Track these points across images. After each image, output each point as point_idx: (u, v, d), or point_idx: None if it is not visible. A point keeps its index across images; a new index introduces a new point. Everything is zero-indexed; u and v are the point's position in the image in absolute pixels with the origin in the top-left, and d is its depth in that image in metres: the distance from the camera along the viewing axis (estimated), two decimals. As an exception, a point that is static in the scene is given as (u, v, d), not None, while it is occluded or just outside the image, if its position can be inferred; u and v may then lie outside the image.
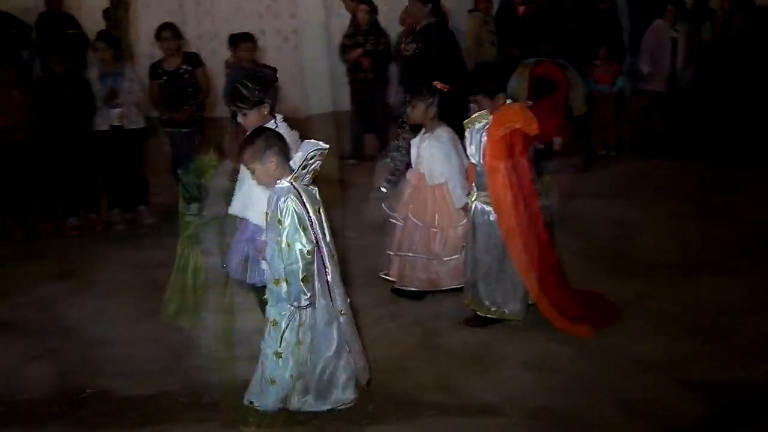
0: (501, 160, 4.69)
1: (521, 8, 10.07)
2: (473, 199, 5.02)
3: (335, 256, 4.04)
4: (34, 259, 6.60)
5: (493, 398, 4.26)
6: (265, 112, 4.33)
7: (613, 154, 9.58)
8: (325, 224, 3.98)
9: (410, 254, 5.43)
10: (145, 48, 9.45)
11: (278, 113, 4.43)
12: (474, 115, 4.91)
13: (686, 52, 9.46)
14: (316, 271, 3.87)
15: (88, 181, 7.20)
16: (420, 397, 4.30)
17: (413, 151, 5.58)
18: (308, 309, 3.91)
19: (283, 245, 3.74)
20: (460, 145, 5.37)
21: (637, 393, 4.24)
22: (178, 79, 7.03)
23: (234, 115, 7.07)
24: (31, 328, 5.29)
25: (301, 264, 3.74)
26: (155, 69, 7.13)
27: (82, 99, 6.80)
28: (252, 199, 4.27)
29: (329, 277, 3.96)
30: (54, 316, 5.45)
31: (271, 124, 4.28)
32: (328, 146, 3.88)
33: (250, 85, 4.31)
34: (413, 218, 5.42)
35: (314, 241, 3.81)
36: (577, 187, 8.17)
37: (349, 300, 4.09)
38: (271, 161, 3.79)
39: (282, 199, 3.75)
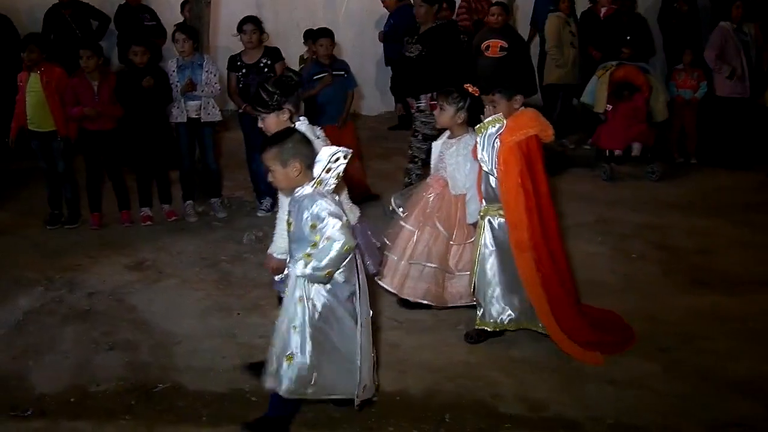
0: (515, 168, 4.45)
1: (603, 10, 9.86)
2: (482, 214, 4.74)
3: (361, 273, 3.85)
4: (108, 248, 6.60)
5: (576, 414, 4.10)
6: (285, 118, 4.17)
7: (694, 162, 9.26)
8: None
9: (428, 264, 5.13)
10: (224, 41, 9.44)
11: (302, 117, 4.29)
12: (487, 119, 4.57)
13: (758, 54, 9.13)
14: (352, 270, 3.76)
15: (162, 172, 7.19)
16: (498, 408, 4.17)
17: (434, 155, 5.28)
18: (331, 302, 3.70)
19: (322, 241, 3.53)
20: None
21: (728, 417, 4.05)
22: (257, 73, 6.94)
23: (240, 115, 7.15)
24: (104, 318, 5.26)
25: (335, 258, 3.53)
26: (234, 61, 7.07)
27: (160, 90, 6.78)
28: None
29: (360, 282, 3.79)
30: (127, 306, 5.43)
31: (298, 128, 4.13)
32: (349, 150, 3.68)
33: (270, 89, 4.19)
34: (439, 226, 5.12)
35: (356, 238, 3.67)
36: (655, 195, 7.98)
37: (371, 312, 3.91)
38: (295, 167, 3.60)
39: (313, 204, 3.56)
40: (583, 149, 9.77)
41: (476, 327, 4.85)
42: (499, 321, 4.77)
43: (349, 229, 3.60)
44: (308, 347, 3.66)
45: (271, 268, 4.22)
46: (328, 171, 3.63)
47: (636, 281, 5.86)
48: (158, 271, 6.06)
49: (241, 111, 7.13)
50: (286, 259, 3.99)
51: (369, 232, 4.33)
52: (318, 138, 4.25)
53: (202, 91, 6.94)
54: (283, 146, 3.62)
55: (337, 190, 3.83)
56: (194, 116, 6.99)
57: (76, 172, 7.23)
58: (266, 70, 6.96)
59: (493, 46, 8.52)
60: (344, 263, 3.65)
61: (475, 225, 4.93)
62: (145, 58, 6.81)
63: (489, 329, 4.80)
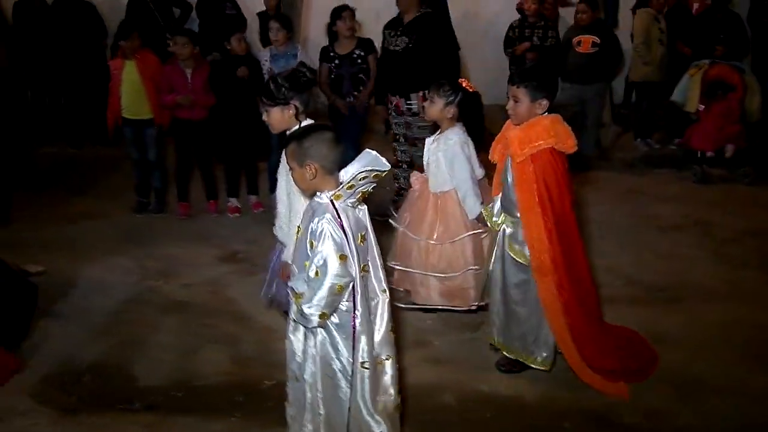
0: (530, 185, 4.00)
1: (696, 5, 9.58)
2: (500, 222, 4.34)
3: (386, 291, 3.43)
4: (198, 238, 6.59)
5: (698, 424, 3.95)
6: (290, 114, 4.07)
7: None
8: (376, 253, 3.39)
9: (405, 268, 4.99)
10: (315, 33, 9.39)
11: (308, 119, 4.15)
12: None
13: None
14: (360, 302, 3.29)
15: (251, 162, 7.15)
16: (618, 419, 4.02)
17: (425, 153, 5.05)
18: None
19: (311, 273, 3.18)
20: (473, 150, 4.87)
21: None
22: (350, 64, 6.85)
23: (330, 107, 7.02)
24: (203, 310, 5.23)
25: (326, 298, 3.15)
26: (327, 52, 6.98)
27: (253, 80, 6.73)
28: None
29: (357, 322, 3.29)
30: (225, 298, 5.39)
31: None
32: (387, 166, 3.24)
33: (280, 82, 4.11)
34: (407, 231, 4.98)
35: (352, 275, 3.23)
36: (751, 199, 7.73)
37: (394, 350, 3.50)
38: (310, 168, 3.23)
39: (317, 219, 3.19)
40: (668, 149, 9.54)
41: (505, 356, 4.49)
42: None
43: (345, 266, 3.17)
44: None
45: (285, 275, 3.99)
46: (350, 187, 3.22)
47: (740, 288, 5.64)
48: (252, 264, 5.99)
49: (329, 103, 7.04)
50: None
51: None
52: None
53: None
54: (302, 144, 3.28)
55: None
56: (289, 106, 6.90)
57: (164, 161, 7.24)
58: (359, 61, 6.85)
59: (585, 42, 8.32)
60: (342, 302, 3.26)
61: (477, 220, 4.75)
62: (242, 46, 6.77)
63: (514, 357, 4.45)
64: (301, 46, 7.30)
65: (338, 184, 3.23)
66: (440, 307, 5.03)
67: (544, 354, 4.30)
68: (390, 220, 5.16)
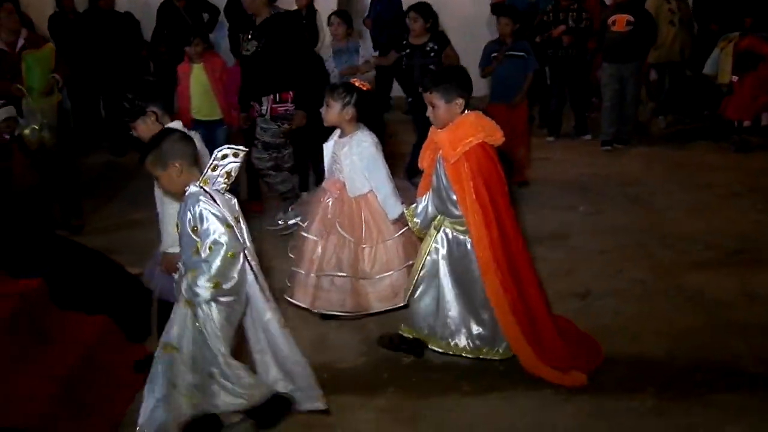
0: (467, 183, 4.02)
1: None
2: (436, 224, 4.33)
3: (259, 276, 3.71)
4: (271, 237, 6.64)
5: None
6: (151, 120, 4.13)
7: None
8: (246, 239, 3.64)
9: (338, 274, 4.83)
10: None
11: (176, 120, 4.25)
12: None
13: None
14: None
15: (315, 157, 7.27)
16: (745, 369, 4.26)
17: (326, 157, 4.93)
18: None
19: (206, 251, 3.40)
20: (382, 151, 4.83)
21: None
22: (422, 56, 7.00)
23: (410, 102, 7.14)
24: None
25: (220, 266, 3.40)
26: (401, 40, 7.13)
27: (319, 75, 6.87)
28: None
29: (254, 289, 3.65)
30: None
31: None
32: (242, 148, 3.53)
33: (129, 96, 4.19)
34: (343, 232, 4.80)
35: (241, 244, 3.51)
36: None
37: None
38: (174, 165, 3.47)
39: (192, 205, 3.42)
40: (697, 123, 9.78)
41: (399, 332, 4.54)
42: (451, 344, 4.39)
43: (233, 233, 3.45)
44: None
45: (167, 268, 4.09)
46: (214, 169, 3.47)
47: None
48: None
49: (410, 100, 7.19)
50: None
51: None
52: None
53: (359, 76, 7.00)
54: (159, 149, 3.51)
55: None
56: (351, 101, 7.06)
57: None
58: (432, 54, 6.99)
59: (620, 21, 8.52)
60: (236, 274, 3.49)
61: (399, 221, 4.72)
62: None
63: (413, 337, 4.48)
64: (362, 40, 7.41)
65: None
66: (379, 310, 4.91)
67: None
68: (303, 233, 4.96)
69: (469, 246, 4.19)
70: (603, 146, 8.76)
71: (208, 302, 3.48)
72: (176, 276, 3.83)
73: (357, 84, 4.77)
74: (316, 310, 4.90)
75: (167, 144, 3.52)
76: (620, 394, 4.07)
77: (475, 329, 4.31)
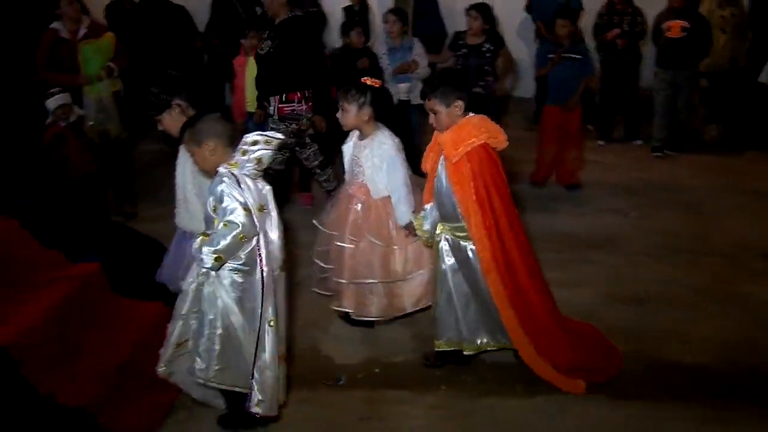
0: (468, 184, 3.99)
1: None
2: (438, 232, 4.30)
3: (276, 271, 3.70)
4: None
5: None
6: (176, 113, 4.21)
7: None
8: (274, 231, 3.66)
9: (370, 281, 4.73)
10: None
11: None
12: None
13: None
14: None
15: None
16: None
17: (347, 159, 4.85)
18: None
19: (220, 226, 3.45)
20: (403, 153, 4.73)
21: None
22: (478, 57, 7.02)
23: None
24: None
25: (229, 243, 3.43)
26: (456, 40, 7.14)
27: (373, 72, 6.90)
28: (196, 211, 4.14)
29: (264, 276, 3.61)
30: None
31: None
32: (276, 136, 3.61)
33: (154, 91, 4.26)
34: (371, 238, 4.69)
35: (256, 230, 3.53)
36: None
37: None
38: (208, 145, 3.57)
39: (216, 185, 3.50)
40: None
41: (435, 350, 4.45)
42: (478, 343, 4.38)
43: (251, 218, 3.47)
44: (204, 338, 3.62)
45: None
46: (243, 153, 3.54)
47: None
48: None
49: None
50: None
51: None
52: None
53: (413, 74, 7.04)
54: (195, 127, 3.61)
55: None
56: (404, 98, 7.10)
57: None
58: (488, 55, 7.01)
59: (674, 27, 8.42)
60: (242, 255, 3.53)
61: (407, 229, 4.61)
62: (361, 39, 6.95)
63: (451, 349, 4.40)
64: (417, 38, 7.42)
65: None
66: (412, 310, 4.85)
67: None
68: (337, 242, 4.83)
69: (470, 253, 4.16)
70: (654, 152, 8.68)
71: (213, 270, 3.54)
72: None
73: (369, 82, 4.65)
74: (354, 317, 4.88)
75: (203, 123, 3.62)
76: (669, 401, 4.08)
77: (493, 327, 4.30)
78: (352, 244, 4.75)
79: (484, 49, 7.02)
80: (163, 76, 4.31)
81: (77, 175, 6.34)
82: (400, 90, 7.07)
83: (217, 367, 3.61)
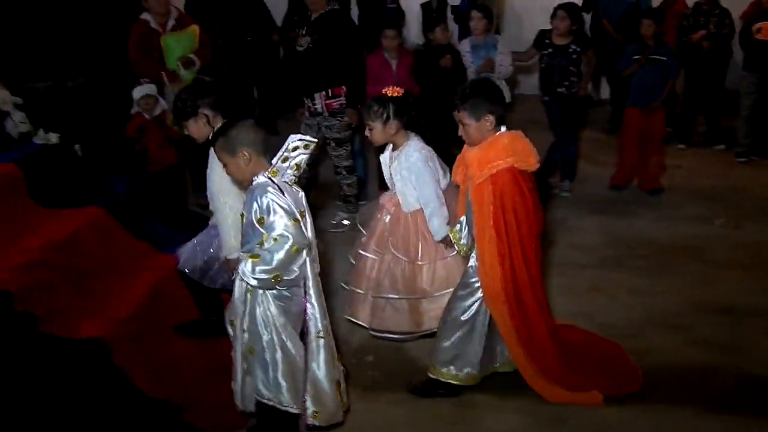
0: (486, 208, 3.82)
1: None
2: (468, 247, 4.13)
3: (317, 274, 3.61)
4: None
5: None
6: (203, 121, 4.12)
7: None
8: (310, 234, 3.52)
9: (392, 296, 4.61)
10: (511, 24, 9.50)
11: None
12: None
13: None
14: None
15: (448, 151, 7.25)
16: None
17: (384, 170, 4.75)
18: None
19: (270, 242, 3.31)
20: (436, 161, 4.59)
21: None
22: (564, 57, 6.90)
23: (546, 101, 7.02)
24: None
25: (283, 259, 3.30)
26: (542, 39, 7.04)
27: (456, 69, 6.85)
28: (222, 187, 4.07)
29: (311, 291, 3.53)
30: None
31: None
32: (315, 140, 3.48)
33: (183, 96, 4.16)
34: (395, 252, 4.59)
35: (307, 239, 3.43)
36: None
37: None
38: (243, 154, 3.40)
39: (260, 197, 3.34)
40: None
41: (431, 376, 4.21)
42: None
43: (300, 228, 3.37)
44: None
45: (231, 270, 3.94)
46: (284, 160, 3.43)
47: None
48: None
49: (545, 99, 7.15)
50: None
51: None
52: None
53: (497, 72, 6.96)
54: (228, 135, 3.45)
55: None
56: (486, 97, 7.00)
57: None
58: (574, 56, 6.90)
59: (765, 28, 8.15)
60: (296, 267, 3.41)
61: (445, 243, 4.43)
62: (445, 36, 6.89)
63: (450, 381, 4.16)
64: (500, 36, 7.34)
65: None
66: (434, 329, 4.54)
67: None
68: (361, 251, 4.79)
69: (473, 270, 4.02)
70: (738, 157, 8.43)
71: (263, 291, 3.45)
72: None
73: (390, 93, 4.51)
74: (372, 332, 4.75)
75: (236, 130, 3.46)
76: (758, 418, 3.98)
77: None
78: (376, 255, 4.68)
79: (570, 50, 6.91)
80: (195, 82, 4.23)
81: (157, 167, 6.39)
82: (484, 88, 6.97)
83: (282, 386, 3.53)
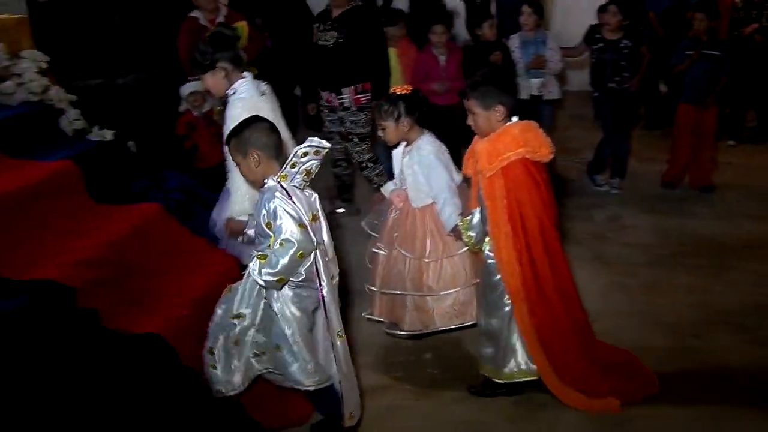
0: (500, 202, 3.73)
1: None
2: (480, 243, 4.01)
3: (335, 278, 3.65)
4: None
5: None
6: (221, 75, 4.16)
7: None
8: (325, 236, 3.57)
9: (398, 291, 4.57)
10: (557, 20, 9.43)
11: (248, 73, 4.28)
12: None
13: None
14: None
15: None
16: None
17: (395, 165, 4.76)
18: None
19: (276, 245, 3.35)
20: (448, 157, 4.54)
21: None
22: (615, 52, 6.81)
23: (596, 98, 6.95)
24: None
25: (288, 264, 3.34)
26: (593, 34, 6.95)
27: (505, 65, 6.78)
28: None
29: (324, 292, 3.52)
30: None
31: (239, 84, 4.20)
32: (327, 145, 3.44)
33: (202, 48, 4.19)
34: (400, 249, 4.55)
35: (314, 243, 3.42)
36: None
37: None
38: (253, 156, 3.46)
39: (268, 201, 3.38)
40: None
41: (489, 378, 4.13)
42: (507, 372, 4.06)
43: (307, 233, 3.38)
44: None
45: (231, 233, 4.24)
46: (293, 165, 3.42)
47: None
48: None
49: (596, 95, 7.07)
50: (245, 221, 4.06)
51: None
52: (264, 94, 4.21)
53: (547, 68, 6.89)
54: (241, 136, 3.50)
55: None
56: (536, 93, 6.94)
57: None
58: (625, 51, 6.81)
59: (819, 23, 8.04)
60: (303, 270, 3.44)
61: (454, 234, 4.33)
62: (493, 32, 6.82)
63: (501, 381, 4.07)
64: (550, 32, 7.26)
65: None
66: (441, 329, 4.60)
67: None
68: (374, 249, 4.75)
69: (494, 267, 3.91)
70: (790, 154, 8.31)
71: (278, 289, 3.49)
72: (241, 239, 4.07)
73: (399, 91, 4.48)
74: (385, 328, 4.74)
75: (249, 132, 3.51)
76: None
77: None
78: (384, 251, 4.67)
79: (622, 44, 6.82)
80: (214, 35, 4.27)
81: (206, 164, 6.40)
82: (533, 85, 6.91)
83: (311, 369, 3.57)
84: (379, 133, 4.60)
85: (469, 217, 4.07)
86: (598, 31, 6.94)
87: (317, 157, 3.45)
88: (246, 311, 3.60)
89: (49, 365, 3.39)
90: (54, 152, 4.89)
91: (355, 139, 6.38)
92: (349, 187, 6.96)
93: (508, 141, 3.71)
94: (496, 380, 4.05)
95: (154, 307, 4.03)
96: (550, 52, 6.92)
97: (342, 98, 6.27)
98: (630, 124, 7.15)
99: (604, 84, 6.89)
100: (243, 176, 3.68)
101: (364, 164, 6.51)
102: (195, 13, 6.55)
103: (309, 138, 3.43)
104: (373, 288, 4.72)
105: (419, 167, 4.46)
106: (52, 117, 5.34)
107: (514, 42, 7.03)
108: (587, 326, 4.13)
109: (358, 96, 6.21)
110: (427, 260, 4.51)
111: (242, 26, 6.77)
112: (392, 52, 6.80)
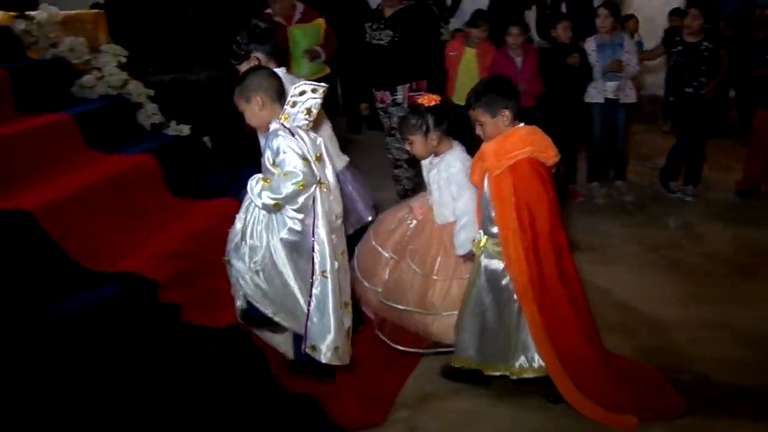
0: (508, 201, 3.70)
1: None
2: (481, 245, 3.94)
3: (339, 218, 3.80)
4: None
5: None
6: (254, 65, 4.14)
7: None
8: (330, 177, 3.74)
9: (401, 306, 4.39)
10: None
11: (282, 69, 4.29)
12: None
13: None
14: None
15: (570, 150, 7.08)
16: None
17: (424, 174, 4.57)
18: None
19: (281, 175, 3.50)
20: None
21: None
22: (695, 55, 6.68)
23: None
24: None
25: (289, 191, 3.48)
26: (672, 36, 6.84)
27: (582, 68, 6.68)
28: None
29: (319, 224, 3.62)
30: (597, 288, 5.25)
31: None
32: (323, 85, 3.59)
33: (239, 39, 4.30)
34: (410, 262, 4.41)
35: (316, 178, 3.58)
36: None
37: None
38: (257, 99, 3.61)
39: (271, 140, 3.54)
40: None
41: (453, 365, 4.15)
42: (517, 367, 3.96)
43: (310, 167, 3.54)
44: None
45: None
46: (293, 105, 3.56)
47: None
48: (600, 252, 5.97)
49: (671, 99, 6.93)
50: None
51: (357, 179, 4.61)
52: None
53: (623, 71, 6.78)
54: (243, 82, 3.66)
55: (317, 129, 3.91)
56: (612, 97, 6.83)
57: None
58: (706, 53, 6.68)
59: None
60: (299, 205, 3.56)
61: (465, 258, 4.21)
62: (568, 34, 6.73)
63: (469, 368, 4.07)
64: (627, 34, 7.14)
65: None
66: (442, 350, 4.41)
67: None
68: (377, 245, 4.62)
69: (500, 272, 3.87)
70: None
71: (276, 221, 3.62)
72: None
73: (425, 103, 4.32)
74: (384, 337, 4.52)
75: (250, 78, 3.67)
76: None
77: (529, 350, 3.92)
78: (391, 257, 4.54)
79: (702, 47, 6.68)
80: (252, 27, 4.32)
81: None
82: (609, 88, 6.79)
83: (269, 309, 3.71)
84: (407, 146, 4.47)
85: (478, 238, 4.00)
86: (678, 34, 6.79)
87: (315, 95, 3.58)
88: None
89: (135, 356, 3.44)
90: (134, 145, 4.96)
91: (398, 136, 6.21)
92: (412, 193, 6.79)
93: (515, 140, 3.76)
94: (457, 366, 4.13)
95: (230, 302, 4.05)
96: (627, 55, 6.80)
97: (396, 96, 6.29)
98: (706, 131, 6.96)
99: (681, 88, 6.75)
100: (249, 123, 3.78)
101: (399, 162, 6.48)
102: (270, 10, 6.56)
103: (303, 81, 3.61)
104: (367, 284, 4.58)
105: (446, 183, 4.32)
106: (130, 111, 5.41)
107: (590, 45, 6.91)
108: (594, 327, 4.04)
109: (412, 94, 6.18)
110: (435, 278, 4.37)
111: (319, 23, 6.82)
112: (472, 53, 6.76)
